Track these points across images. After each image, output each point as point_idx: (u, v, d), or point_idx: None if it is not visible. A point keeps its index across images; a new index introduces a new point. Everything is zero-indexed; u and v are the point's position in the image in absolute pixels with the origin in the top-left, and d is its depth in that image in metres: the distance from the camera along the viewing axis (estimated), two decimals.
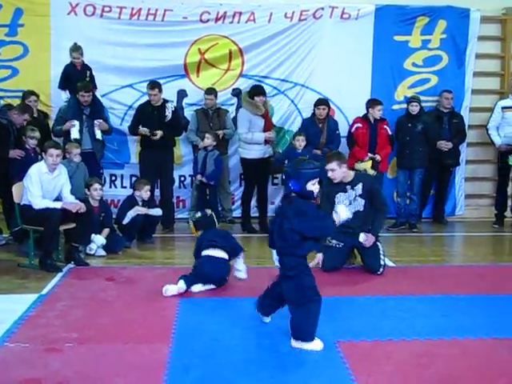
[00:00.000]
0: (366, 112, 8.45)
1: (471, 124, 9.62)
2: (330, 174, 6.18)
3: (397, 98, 9.28)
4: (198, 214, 6.11)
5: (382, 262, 6.23)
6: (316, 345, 4.25)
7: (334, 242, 6.35)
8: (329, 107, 8.43)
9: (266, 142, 8.23)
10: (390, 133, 8.55)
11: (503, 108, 9.15)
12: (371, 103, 8.43)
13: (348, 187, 6.29)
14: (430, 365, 4.02)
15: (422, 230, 8.79)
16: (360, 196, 6.25)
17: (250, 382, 3.71)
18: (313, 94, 8.95)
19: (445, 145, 8.98)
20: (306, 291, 4.21)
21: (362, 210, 6.24)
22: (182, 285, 5.41)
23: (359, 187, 6.27)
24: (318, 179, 4.15)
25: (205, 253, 5.71)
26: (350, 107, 9.06)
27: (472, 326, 4.72)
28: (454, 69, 9.43)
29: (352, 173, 6.39)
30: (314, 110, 8.45)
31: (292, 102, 9.15)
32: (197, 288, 5.53)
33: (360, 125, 8.44)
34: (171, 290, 5.39)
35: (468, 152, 9.74)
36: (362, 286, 5.84)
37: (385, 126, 8.50)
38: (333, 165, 6.16)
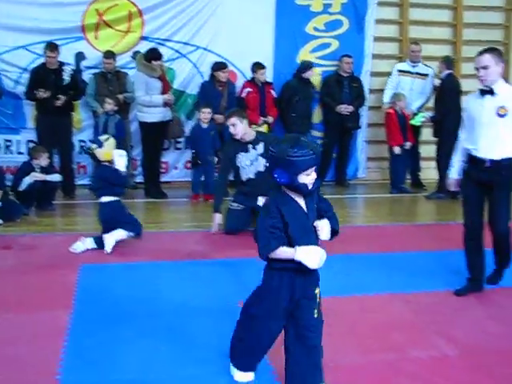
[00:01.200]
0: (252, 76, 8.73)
1: (372, 88, 9.90)
2: (231, 129, 6.25)
3: (299, 62, 9.37)
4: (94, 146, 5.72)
5: None
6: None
7: (234, 204, 6.44)
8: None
9: (166, 104, 8.18)
10: (274, 96, 8.85)
11: (399, 71, 9.43)
12: (255, 67, 8.65)
13: (250, 146, 6.35)
14: (331, 321, 4.16)
15: (324, 193, 8.94)
16: (261, 155, 6.31)
17: (152, 345, 3.73)
18: (215, 58, 8.90)
19: (345, 108, 9.19)
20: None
21: (262, 170, 6.31)
22: (90, 242, 5.63)
23: (261, 146, 6.33)
24: (313, 168, 2.94)
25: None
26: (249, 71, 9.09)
27: (370, 283, 4.93)
28: (354, 34, 9.63)
29: (253, 132, 6.46)
30: (211, 73, 8.47)
31: (194, 65, 9.08)
32: (109, 244, 5.62)
33: (250, 89, 8.64)
34: (78, 246, 5.58)
35: (369, 115, 10.01)
36: None
37: (271, 90, 8.81)
38: (234, 119, 6.21)
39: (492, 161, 4.44)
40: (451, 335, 3.94)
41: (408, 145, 9.10)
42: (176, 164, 9.28)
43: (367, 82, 9.73)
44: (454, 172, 4.79)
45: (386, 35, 10.09)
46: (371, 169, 10.19)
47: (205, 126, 8.13)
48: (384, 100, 9.43)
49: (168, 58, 8.89)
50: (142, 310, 4.28)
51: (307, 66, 8.94)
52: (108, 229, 5.69)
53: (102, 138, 5.73)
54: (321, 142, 9.10)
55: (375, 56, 9.91)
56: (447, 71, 8.64)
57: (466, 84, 8.68)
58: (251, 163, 6.33)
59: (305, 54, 9.49)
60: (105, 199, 5.69)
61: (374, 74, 9.95)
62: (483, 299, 4.61)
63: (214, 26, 9.07)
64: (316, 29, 9.51)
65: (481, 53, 4.42)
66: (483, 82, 4.42)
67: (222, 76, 8.39)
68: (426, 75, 9.30)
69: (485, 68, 4.37)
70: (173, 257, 5.56)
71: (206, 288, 4.75)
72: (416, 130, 9.19)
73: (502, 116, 4.38)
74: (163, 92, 8.15)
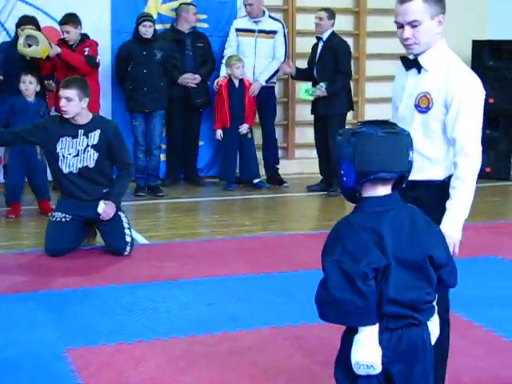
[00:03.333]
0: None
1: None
2: (63, 102, 6.14)
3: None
4: None
5: (127, 239, 6.35)
6: None
7: (57, 214, 6.32)
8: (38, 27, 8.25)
9: None
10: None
11: (237, 30, 9.45)
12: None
13: (80, 131, 6.30)
14: (191, 367, 4.18)
15: (175, 195, 9.03)
16: (93, 147, 6.28)
17: None
18: (30, 10, 8.72)
19: (191, 79, 9.16)
20: None
21: (92, 166, 6.27)
22: None
23: (95, 135, 6.30)
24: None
25: None
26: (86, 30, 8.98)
27: (246, 315, 5.00)
28: None
29: (90, 115, 6.41)
30: (16, 32, 8.26)
31: None
32: None
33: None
34: None
35: None
36: (102, 273, 5.92)
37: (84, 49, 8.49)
38: (72, 92, 6.13)
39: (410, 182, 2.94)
40: None
41: (244, 128, 9.16)
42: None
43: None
44: None
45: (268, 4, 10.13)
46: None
47: (30, 100, 7.80)
48: (221, 73, 9.43)
49: None
50: None
51: (139, 18, 8.83)
52: None
53: None
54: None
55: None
56: (331, 28, 8.94)
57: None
58: (77, 153, 6.26)
59: (155, 6, 9.50)
60: None
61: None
62: None
63: None
64: None
65: None
66: (411, 50, 3.54)
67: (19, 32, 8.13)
68: (274, 32, 9.31)
69: (413, 24, 3.44)
70: None
71: (19, 334, 4.65)
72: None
73: (421, 111, 3.52)
74: None
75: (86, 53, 8.39)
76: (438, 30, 3.50)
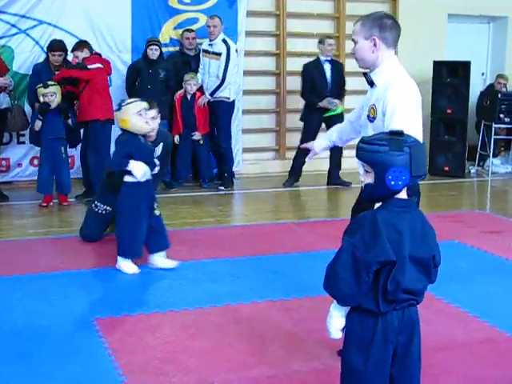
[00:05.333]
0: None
1: (246, 70, 9.96)
2: (151, 121, 5.61)
3: (162, 39, 9.27)
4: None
5: None
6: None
7: (100, 205, 6.14)
8: (66, 52, 8.10)
9: (1, 89, 7.86)
10: None
11: (202, 51, 9.08)
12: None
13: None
14: (199, 335, 4.17)
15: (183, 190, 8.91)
16: (157, 158, 5.92)
17: None
18: (63, 35, 8.66)
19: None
20: None
21: (155, 173, 5.93)
22: None
23: (159, 147, 6.02)
24: None
25: None
26: (108, 51, 8.95)
27: (245, 290, 4.98)
28: (224, 7, 9.65)
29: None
30: (47, 55, 8.16)
31: (37, 43, 8.76)
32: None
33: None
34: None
35: (244, 101, 10.07)
36: None
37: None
38: (157, 111, 5.77)
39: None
40: (336, 344, 4.02)
41: (197, 135, 8.96)
42: (20, 161, 8.95)
43: (241, 63, 9.79)
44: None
45: (261, 9, 10.20)
46: (248, 161, 10.26)
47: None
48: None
49: (2, 35, 8.56)
50: None
51: (148, 42, 8.73)
52: None
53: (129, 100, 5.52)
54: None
55: (249, 33, 10.00)
56: None
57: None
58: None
59: (168, 31, 9.44)
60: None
61: (249, 54, 10.04)
62: None
63: None
64: (181, 1, 9.46)
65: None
66: (357, 63, 3.67)
67: (52, 59, 8.02)
68: (220, 54, 8.93)
69: (354, 42, 3.58)
70: (13, 271, 5.36)
71: (55, 306, 4.63)
72: None
73: (370, 120, 3.56)
74: None
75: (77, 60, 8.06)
76: (373, 49, 3.48)
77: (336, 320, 2.69)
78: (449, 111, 10.25)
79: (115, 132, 6.69)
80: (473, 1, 11.07)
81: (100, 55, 8.26)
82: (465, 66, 10.21)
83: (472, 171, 10.52)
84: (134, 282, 5.19)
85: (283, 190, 9.10)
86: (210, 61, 8.94)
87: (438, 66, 10.32)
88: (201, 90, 9.04)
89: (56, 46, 8.08)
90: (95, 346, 4.01)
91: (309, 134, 8.72)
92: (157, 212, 5.48)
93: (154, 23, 9.34)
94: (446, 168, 10.21)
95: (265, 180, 9.60)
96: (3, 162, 8.79)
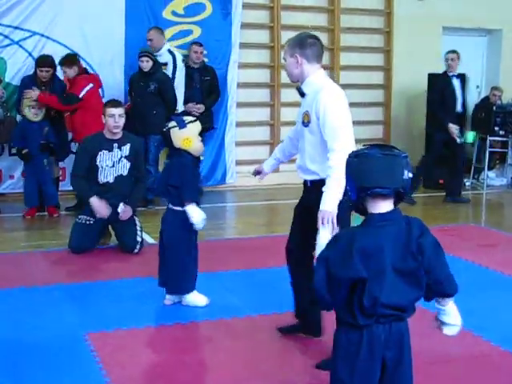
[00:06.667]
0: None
1: (240, 82, 10.00)
2: (116, 118, 6.21)
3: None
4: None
5: (138, 239, 6.34)
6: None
7: (83, 217, 6.30)
8: (54, 68, 8.04)
9: None
10: None
11: None
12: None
13: (115, 145, 6.31)
14: (191, 349, 4.17)
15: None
16: (126, 158, 6.33)
17: None
18: (56, 46, 8.69)
19: (196, 108, 9.00)
20: None
21: (125, 174, 6.33)
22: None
23: (127, 148, 6.36)
24: None
25: None
26: (100, 62, 8.96)
27: (239, 304, 4.98)
28: (218, 19, 9.70)
29: (121, 131, 6.42)
30: (35, 69, 8.06)
31: (30, 54, 8.77)
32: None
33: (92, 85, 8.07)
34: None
35: (238, 113, 10.10)
36: (116, 268, 5.89)
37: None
38: (123, 109, 6.37)
39: (307, 182, 4.16)
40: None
41: None
42: (11, 173, 8.94)
43: (235, 75, 9.83)
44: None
45: (255, 21, 10.25)
46: (241, 173, 10.26)
47: (35, 119, 7.79)
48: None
49: None
50: None
51: (139, 53, 8.47)
52: None
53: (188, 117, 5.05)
54: None
55: (244, 45, 10.04)
56: None
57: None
58: (113, 164, 6.27)
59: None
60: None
61: (243, 66, 10.08)
62: None
63: (53, 8, 8.78)
64: (174, 13, 9.50)
65: None
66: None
67: (40, 75, 7.95)
68: (166, 64, 8.88)
69: (284, 60, 4.16)
70: (4, 284, 5.35)
71: (46, 319, 4.63)
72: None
73: (305, 125, 4.02)
74: None
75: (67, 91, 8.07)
76: (297, 65, 4.00)
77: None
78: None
79: None
80: (467, 13, 11.18)
81: (87, 71, 8.28)
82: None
83: (467, 184, 10.56)
84: (125, 295, 5.17)
85: (276, 203, 9.11)
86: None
87: (432, 77, 10.36)
88: None
89: (43, 61, 8.02)
90: (86, 359, 4.00)
91: None
92: None
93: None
94: (441, 181, 10.23)
95: (257, 193, 9.59)
96: None
